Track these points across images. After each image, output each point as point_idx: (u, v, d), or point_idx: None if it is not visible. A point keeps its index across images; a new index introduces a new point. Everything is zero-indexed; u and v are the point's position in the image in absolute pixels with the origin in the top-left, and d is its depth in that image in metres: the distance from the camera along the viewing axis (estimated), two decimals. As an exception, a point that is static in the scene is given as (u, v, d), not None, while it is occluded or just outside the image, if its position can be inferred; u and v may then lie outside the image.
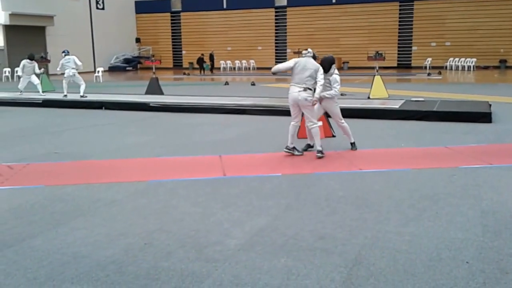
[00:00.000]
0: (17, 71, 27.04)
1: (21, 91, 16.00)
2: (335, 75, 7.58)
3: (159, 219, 4.77)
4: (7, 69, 27.40)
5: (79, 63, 15.13)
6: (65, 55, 15.18)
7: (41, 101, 14.69)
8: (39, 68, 16.38)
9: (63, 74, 15.20)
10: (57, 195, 5.58)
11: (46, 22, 31.52)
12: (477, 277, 3.49)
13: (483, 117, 10.23)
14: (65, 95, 15.09)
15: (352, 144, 7.84)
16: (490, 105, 11.58)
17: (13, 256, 3.94)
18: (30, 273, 3.64)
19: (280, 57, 36.81)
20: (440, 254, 3.87)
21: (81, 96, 14.81)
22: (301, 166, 6.87)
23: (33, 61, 15.80)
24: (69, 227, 4.59)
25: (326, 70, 7.47)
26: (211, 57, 32.92)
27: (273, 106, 12.36)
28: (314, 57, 7.43)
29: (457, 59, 30.56)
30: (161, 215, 4.90)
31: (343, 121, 7.78)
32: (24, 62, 15.73)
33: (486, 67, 30.83)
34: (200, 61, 31.46)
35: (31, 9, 29.65)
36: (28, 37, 30.18)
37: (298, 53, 29.29)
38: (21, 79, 16.03)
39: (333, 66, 7.64)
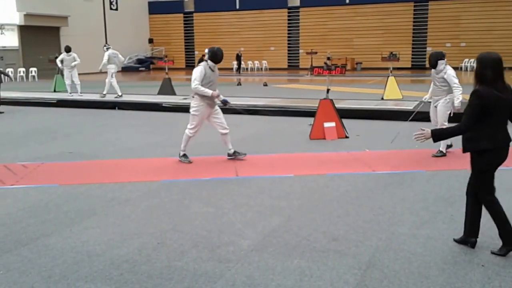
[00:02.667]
0: (31, 71, 27.46)
1: (75, 92, 15.68)
2: (450, 72, 7.08)
3: (172, 219, 4.78)
4: (22, 69, 27.72)
5: (122, 58, 15.06)
6: (107, 48, 15.02)
7: (55, 101, 14.84)
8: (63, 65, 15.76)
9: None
10: (71, 194, 5.63)
11: (60, 23, 31.81)
12: (493, 280, 3.45)
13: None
14: (121, 95, 14.84)
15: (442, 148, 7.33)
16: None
17: (28, 254, 3.98)
18: (44, 271, 3.67)
19: (293, 57, 36.75)
20: (455, 257, 3.83)
21: (103, 96, 14.83)
22: (313, 167, 6.84)
23: (71, 53, 15.56)
24: (83, 226, 4.62)
25: (433, 66, 7.15)
26: (238, 57, 32.33)
27: (286, 106, 12.34)
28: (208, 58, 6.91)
29: (472, 60, 30.18)
30: (174, 214, 4.91)
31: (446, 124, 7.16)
32: (62, 55, 15.69)
33: (502, 68, 30.42)
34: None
35: (46, 10, 29.94)
36: (43, 37, 30.49)
37: (311, 54, 29.09)
38: (65, 75, 15.77)
39: (440, 62, 7.12)
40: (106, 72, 15.14)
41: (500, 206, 3.80)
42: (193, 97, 7.02)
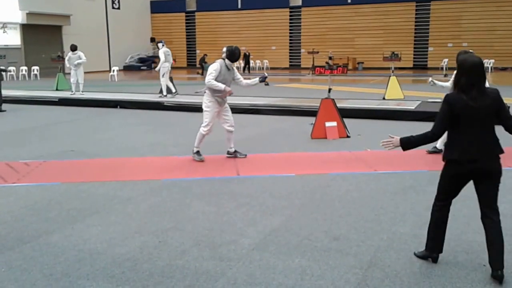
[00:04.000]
0: (33, 70, 27.49)
1: (78, 91, 15.46)
2: None
3: (173, 218, 4.78)
4: (24, 68, 27.75)
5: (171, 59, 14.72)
6: (162, 45, 14.70)
7: (57, 100, 14.85)
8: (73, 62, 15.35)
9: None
10: (73, 193, 5.63)
11: (63, 22, 31.84)
12: (495, 280, 3.44)
13: (501, 119, 10.06)
14: (176, 92, 14.61)
15: None
16: (509, 107, 11.39)
17: (30, 252, 3.98)
18: (46, 269, 3.68)
19: (294, 57, 36.73)
20: (457, 257, 3.82)
21: (163, 96, 14.53)
22: (315, 167, 6.84)
23: (77, 51, 15.39)
24: (85, 224, 4.63)
25: None
26: (246, 56, 32.13)
27: (287, 106, 12.34)
28: (234, 55, 6.96)
29: (474, 60, 30.10)
30: (175, 213, 4.92)
31: None
32: (69, 54, 15.58)
33: (504, 69, 30.39)
34: (202, 61, 30.63)
35: (48, 9, 29.96)
36: (45, 36, 30.52)
37: (313, 53, 28.99)
38: (71, 73, 15.56)
39: None
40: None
41: (440, 218, 3.65)
42: (204, 92, 7.05)
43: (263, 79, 7.35)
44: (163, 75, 14.56)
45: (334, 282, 3.44)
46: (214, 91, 6.91)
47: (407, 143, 3.62)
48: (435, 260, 3.71)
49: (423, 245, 4.01)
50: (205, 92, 7.06)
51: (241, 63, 32.35)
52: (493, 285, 3.39)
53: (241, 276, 3.54)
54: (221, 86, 6.81)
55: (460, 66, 3.43)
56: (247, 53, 31.65)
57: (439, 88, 8.07)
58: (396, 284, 3.41)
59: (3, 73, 13.78)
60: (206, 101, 7.04)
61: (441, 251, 3.72)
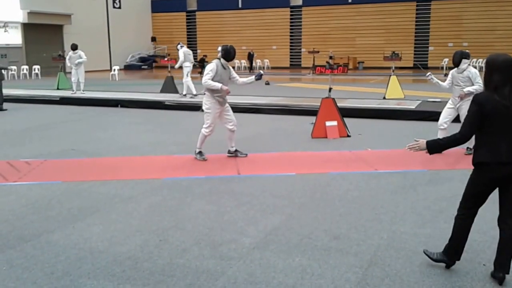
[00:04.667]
0: (34, 69, 27.49)
1: (79, 90, 15.45)
2: (475, 70, 7.15)
3: (174, 216, 4.79)
4: (25, 67, 27.76)
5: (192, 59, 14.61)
6: (181, 46, 14.73)
7: (58, 99, 14.87)
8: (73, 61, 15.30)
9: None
10: (74, 191, 5.65)
11: (64, 21, 31.87)
12: (494, 280, 3.44)
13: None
14: (196, 95, 14.27)
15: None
16: (509, 106, 11.40)
17: (31, 251, 4.00)
18: (47, 267, 3.69)
19: (295, 56, 36.71)
20: (457, 256, 3.83)
21: (183, 95, 14.45)
22: (315, 166, 6.85)
23: (77, 51, 15.38)
24: (85, 222, 4.64)
25: (457, 64, 7.18)
26: (250, 56, 32.07)
27: (288, 105, 12.35)
28: (229, 54, 7.02)
29: (474, 59, 30.12)
30: (176, 212, 4.93)
31: None
32: (70, 53, 15.56)
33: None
34: (202, 62, 30.53)
35: (49, 8, 29.98)
36: (46, 35, 30.53)
37: (313, 53, 28.95)
38: (72, 72, 15.53)
39: (464, 60, 7.10)
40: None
41: (462, 226, 3.52)
42: (204, 93, 7.07)
43: (259, 77, 7.40)
44: (187, 75, 14.53)
45: (335, 281, 3.45)
46: (213, 92, 6.93)
47: (434, 146, 3.46)
48: (448, 267, 3.62)
49: (423, 244, 4.03)
50: (204, 93, 7.07)
51: (242, 62, 32.38)
52: (492, 284, 3.40)
53: (241, 275, 3.56)
54: (218, 85, 6.83)
55: (491, 64, 3.28)
56: (252, 53, 31.65)
57: (438, 87, 8.05)
58: (396, 283, 3.43)
59: (4, 72, 13.77)
60: (206, 103, 7.05)
61: (459, 259, 3.60)
